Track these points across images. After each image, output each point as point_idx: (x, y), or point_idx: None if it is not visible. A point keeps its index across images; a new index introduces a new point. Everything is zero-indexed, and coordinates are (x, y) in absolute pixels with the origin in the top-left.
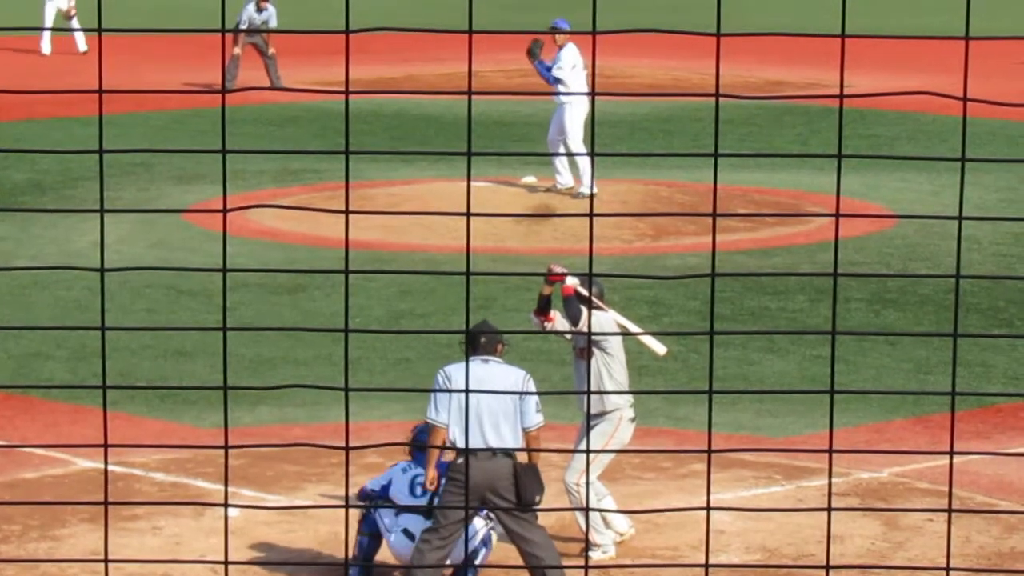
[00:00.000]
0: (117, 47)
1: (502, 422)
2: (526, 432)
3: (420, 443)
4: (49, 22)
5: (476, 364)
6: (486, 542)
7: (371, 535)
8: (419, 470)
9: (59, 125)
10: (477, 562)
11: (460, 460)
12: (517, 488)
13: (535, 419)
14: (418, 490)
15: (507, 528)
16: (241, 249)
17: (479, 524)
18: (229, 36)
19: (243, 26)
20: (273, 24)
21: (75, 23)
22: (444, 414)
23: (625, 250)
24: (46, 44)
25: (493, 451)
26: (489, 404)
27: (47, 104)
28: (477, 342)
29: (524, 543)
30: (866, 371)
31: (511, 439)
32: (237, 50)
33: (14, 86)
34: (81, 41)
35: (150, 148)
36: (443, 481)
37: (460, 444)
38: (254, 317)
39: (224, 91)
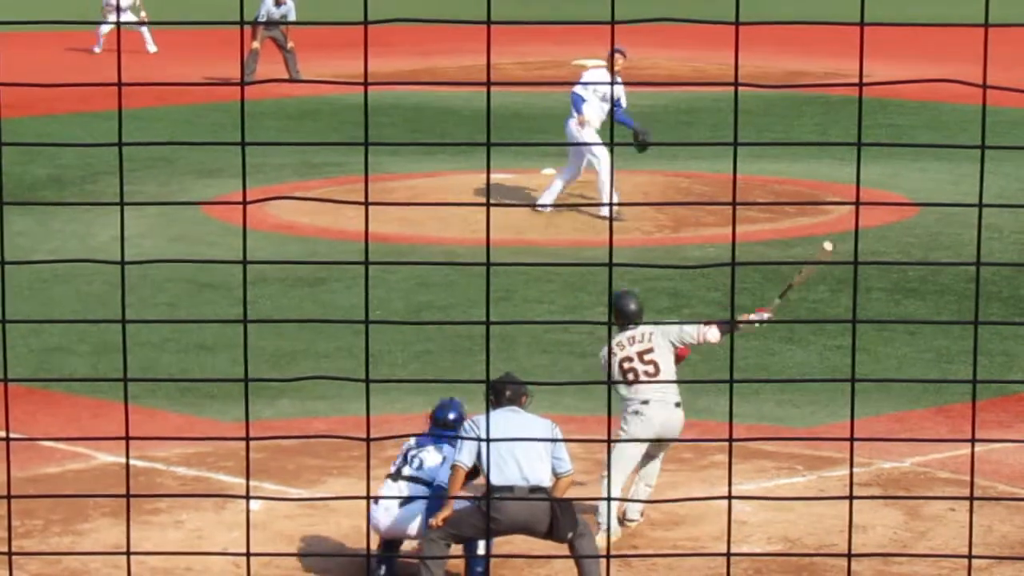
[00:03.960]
0: (137, 42)
1: (538, 466)
2: (560, 478)
3: (440, 421)
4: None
5: (505, 413)
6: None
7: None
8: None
9: (79, 120)
10: (480, 551)
11: (496, 495)
12: (552, 524)
13: (568, 466)
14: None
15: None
16: (261, 242)
17: None
18: (248, 30)
19: (262, 20)
20: (292, 18)
21: (136, 20)
22: (468, 457)
23: (645, 241)
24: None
25: (534, 488)
26: (524, 451)
27: (68, 99)
28: (502, 395)
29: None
30: (887, 361)
31: (547, 480)
32: (256, 44)
33: (37, 81)
34: (150, 42)
35: (170, 141)
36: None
37: (496, 483)
38: (274, 310)
39: (243, 84)
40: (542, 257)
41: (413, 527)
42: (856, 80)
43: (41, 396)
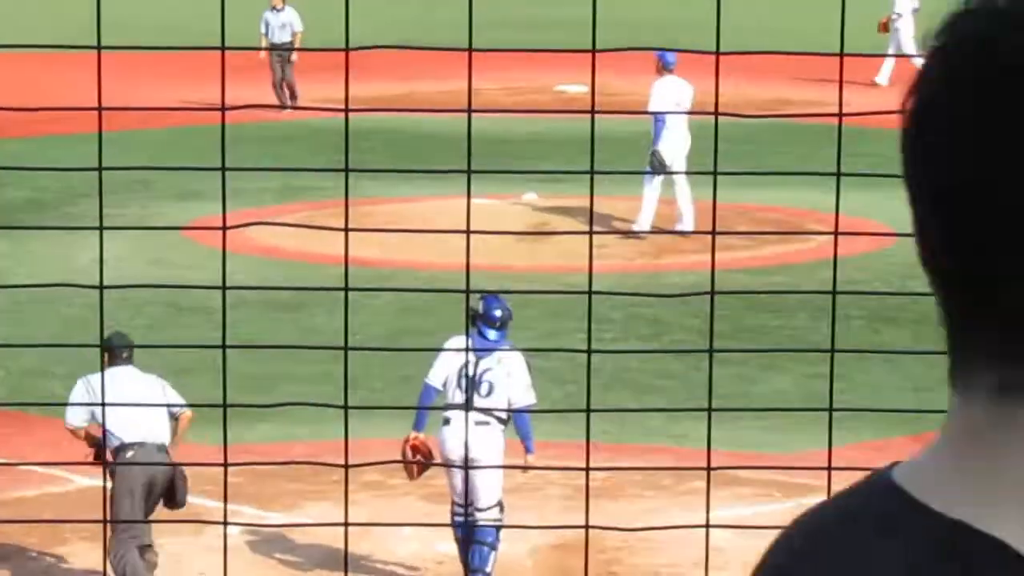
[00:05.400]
0: (117, 64)
1: (161, 423)
2: (178, 417)
3: (493, 320)
4: None
5: (125, 371)
6: (494, 546)
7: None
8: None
9: (58, 142)
10: (488, 568)
11: (131, 453)
12: (172, 484)
13: (182, 402)
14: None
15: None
16: (241, 266)
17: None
18: (231, 54)
19: (263, 29)
20: (297, 28)
21: None
22: (79, 419)
23: (626, 267)
24: None
25: (160, 446)
26: (148, 410)
27: (46, 121)
28: (119, 354)
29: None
30: (865, 389)
31: (164, 434)
32: (276, 74)
33: (11, 104)
34: None
35: (150, 166)
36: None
37: (125, 440)
38: (254, 334)
39: (224, 108)
40: (522, 283)
41: (494, 454)
42: (836, 109)
43: (18, 419)
